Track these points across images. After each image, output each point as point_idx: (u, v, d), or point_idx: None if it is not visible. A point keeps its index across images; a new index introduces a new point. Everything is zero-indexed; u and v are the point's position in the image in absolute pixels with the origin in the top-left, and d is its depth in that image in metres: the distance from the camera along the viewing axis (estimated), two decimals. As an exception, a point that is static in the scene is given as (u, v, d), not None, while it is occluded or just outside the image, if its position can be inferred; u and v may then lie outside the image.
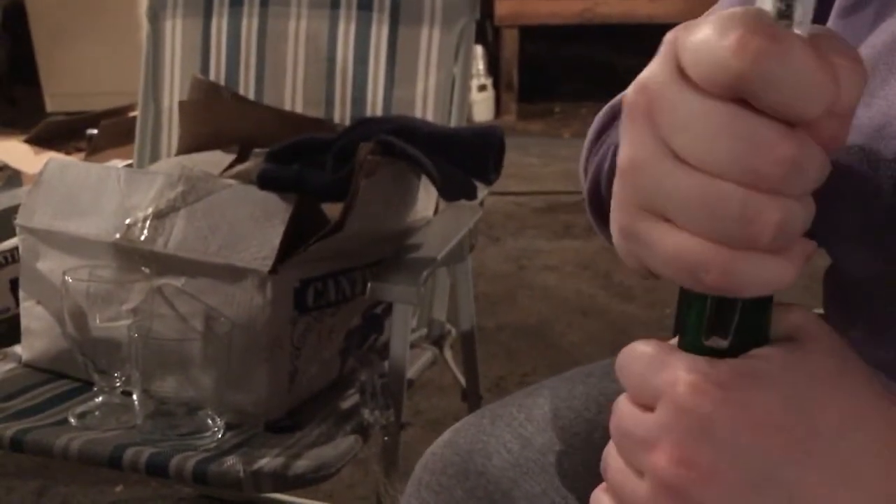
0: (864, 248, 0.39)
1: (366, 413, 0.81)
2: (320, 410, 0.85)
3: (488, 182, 0.80)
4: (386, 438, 0.81)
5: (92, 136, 1.97)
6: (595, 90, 3.95)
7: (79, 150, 2.07)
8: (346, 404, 0.86)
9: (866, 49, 0.38)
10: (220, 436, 0.78)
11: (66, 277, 0.81)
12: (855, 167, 0.36)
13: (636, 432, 0.28)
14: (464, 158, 0.77)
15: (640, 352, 0.29)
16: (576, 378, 0.53)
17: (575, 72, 4.27)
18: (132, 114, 2.21)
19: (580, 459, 0.48)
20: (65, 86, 3.48)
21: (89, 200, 0.87)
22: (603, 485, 0.31)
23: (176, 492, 1.36)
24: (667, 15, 3.17)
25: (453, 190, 0.78)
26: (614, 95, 0.49)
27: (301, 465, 0.71)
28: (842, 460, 0.26)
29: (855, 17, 0.39)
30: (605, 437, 0.30)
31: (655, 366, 0.28)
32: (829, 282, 0.45)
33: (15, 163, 2.09)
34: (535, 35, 3.62)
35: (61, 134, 2.15)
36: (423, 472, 0.50)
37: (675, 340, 0.31)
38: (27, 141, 2.15)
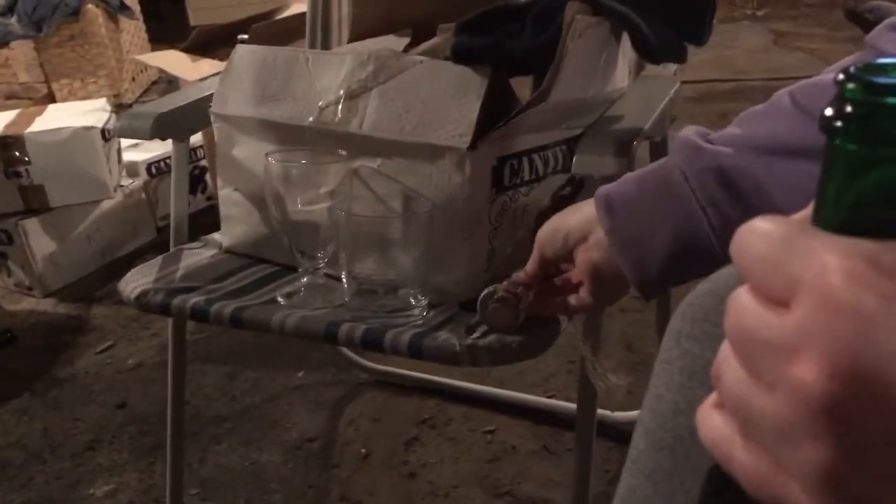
0: None
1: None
2: (517, 291, 0.83)
3: (701, 43, 0.74)
4: (587, 317, 0.78)
5: (243, 40, 2.01)
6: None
7: (231, 55, 2.12)
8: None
9: None
10: (425, 313, 0.79)
11: (269, 159, 0.82)
12: None
13: (766, 335, 0.22)
14: (675, 17, 0.71)
15: (765, 230, 0.23)
16: None
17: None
18: (279, 16, 2.23)
19: None
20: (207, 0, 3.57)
21: (279, 85, 0.87)
22: (712, 398, 0.25)
23: (353, 377, 1.42)
24: None
25: (665, 51, 0.72)
26: None
27: (514, 339, 0.71)
28: None
29: None
30: None
31: (790, 247, 0.22)
32: None
33: (173, 71, 2.16)
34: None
35: (214, 41, 2.20)
36: (681, 322, 0.47)
37: (804, 214, 0.24)
38: (183, 50, 2.21)
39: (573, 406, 1.10)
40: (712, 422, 0.25)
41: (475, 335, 0.71)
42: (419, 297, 0.79)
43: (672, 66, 0.95)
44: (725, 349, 0.24)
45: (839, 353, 0.20)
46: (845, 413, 0.20)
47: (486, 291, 0.69)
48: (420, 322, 0.77)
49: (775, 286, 0.22)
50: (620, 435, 1.18)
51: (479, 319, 0.70)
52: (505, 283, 0.68)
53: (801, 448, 0.21)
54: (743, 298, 0.23)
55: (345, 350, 1.39)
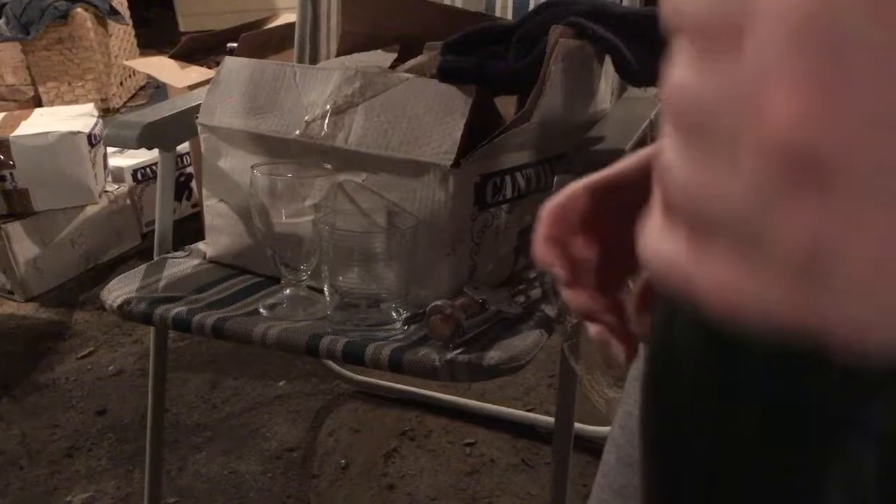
0: None
1: (547, 308, 0.80)
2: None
3: (681, 68, 0.75)
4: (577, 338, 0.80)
5: (232, 49, 2.02)
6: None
7: (219, 63, 2.13)
8: (521, 300, 0.86)
9: None
10: (406, 328, 0.79)
11: (255, 171, 0.82)
12: None
13: (717, 93, 0.17)
14: (657, 41, 0.72)
15: None
16: None
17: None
18: (268, 26, 2.24)
19: None
20: (196, 6, 3.58)
21: (267, 98, 0.88)
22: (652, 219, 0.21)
23: (334, 387, 1.42)
24: None
25: (646, 75, 0.73)
26: None
27: (493, 355, 0.72)
28: None
29: None
30: None
31: None
32: None
33: (162, 77, 2.17)
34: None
35: (203, 49, 2.21)
36: None
37: None
38: (171, 57, 2.21)
39: (552, 420, 1.11)
40: (661, 248, 0.20)
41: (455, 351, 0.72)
42: (401, 311, 0.80)
43: (654, 88, 0.97)
44: (667, 152, 0.19)
45: (811, 79, 0.16)
46: (827, 157, 0.16)
47: (435, 303, 0.75)
48: (401, 336, 0.78)
49: (721, 24, 0.18)
50: (598, 449, 1.19)
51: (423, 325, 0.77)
52: (459, 301, 0.75)
53: (779, 225, 0.16)
54: (676, 73, 0.19)
55: (326, 360, 1.40)
